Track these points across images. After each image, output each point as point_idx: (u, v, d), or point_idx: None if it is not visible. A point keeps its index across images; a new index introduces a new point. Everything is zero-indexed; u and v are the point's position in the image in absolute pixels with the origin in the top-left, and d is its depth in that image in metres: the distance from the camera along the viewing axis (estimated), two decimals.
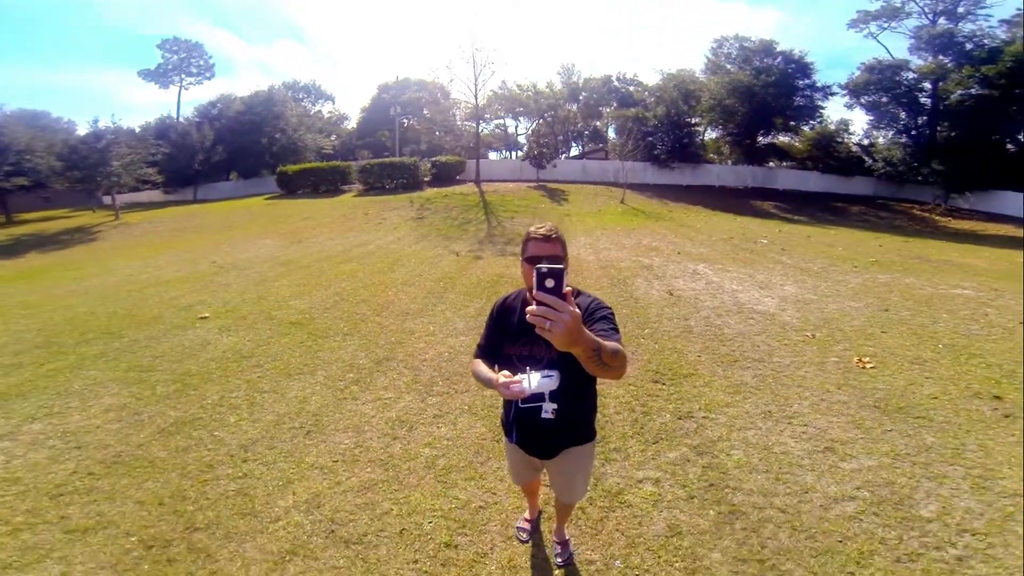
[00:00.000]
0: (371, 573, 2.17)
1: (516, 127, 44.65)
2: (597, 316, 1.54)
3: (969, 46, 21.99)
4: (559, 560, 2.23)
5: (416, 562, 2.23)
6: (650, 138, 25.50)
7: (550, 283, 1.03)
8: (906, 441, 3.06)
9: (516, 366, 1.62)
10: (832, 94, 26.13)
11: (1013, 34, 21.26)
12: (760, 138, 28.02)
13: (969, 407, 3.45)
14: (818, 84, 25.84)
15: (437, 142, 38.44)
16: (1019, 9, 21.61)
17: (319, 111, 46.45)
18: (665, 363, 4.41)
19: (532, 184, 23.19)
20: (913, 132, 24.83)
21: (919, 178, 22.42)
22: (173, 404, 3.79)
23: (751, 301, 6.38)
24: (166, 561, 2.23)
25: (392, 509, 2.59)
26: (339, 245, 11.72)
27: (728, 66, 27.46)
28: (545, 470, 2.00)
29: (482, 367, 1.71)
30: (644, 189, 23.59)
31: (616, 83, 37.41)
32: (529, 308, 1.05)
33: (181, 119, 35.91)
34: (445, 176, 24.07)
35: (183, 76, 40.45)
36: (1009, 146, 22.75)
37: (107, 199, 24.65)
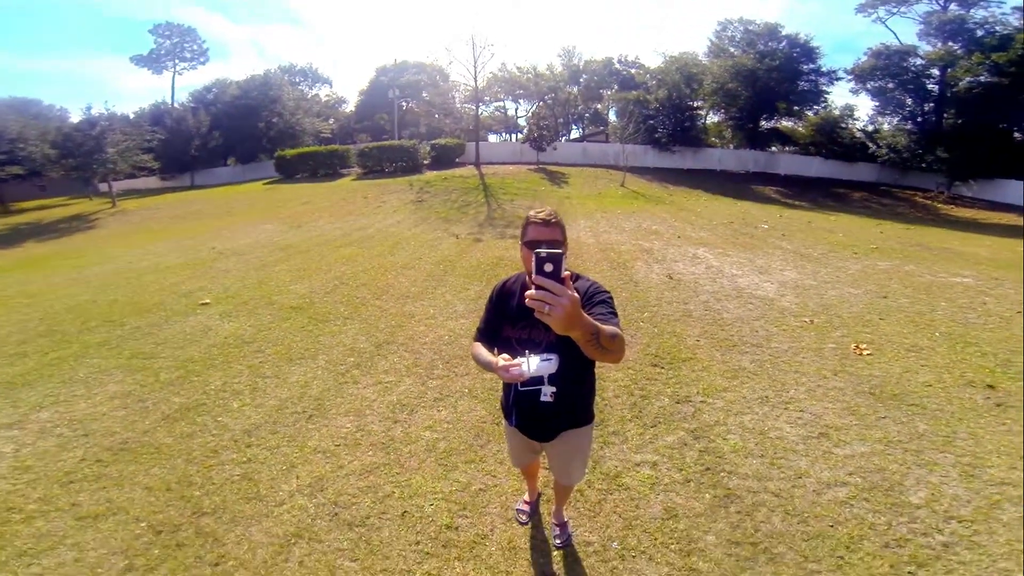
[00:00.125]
0: (374, 555, 2.23)
1: (516, 109, 44.16)
2: (596, 300, 1.54)
3: (980, 33, 21.58)
4: (558, 541, 2.28)
5: (418, 544, 2.28)
6: (651, 121, 25.22)
7: (549, 267, 1.04)
8: (899, 428, 3.10)
9: (515, 349, 1.63)
10: (837, 79, 25.78)
11: None
12: (763, 122, 27.71)
13: (962, 395, 3.48)
14: (823, 69, 25.50)
15: (436, 125, 38.01)
16: None
17: (316, 95, 45.84)
18: (664, 347, 4.44)
19: (532, 167, 23.00)
20: (919, 119, 24.53)
21: (923, 165, 22.21)
22: (176, 391, 3.83)
23: (750, 286, 6.40)
24: (175, 545, 2.29)
25: (394, 492, 2.64)
26: (338, 229, 11.69)
27: (732, 49, 27.01)
28: (544, 453, 2.03)
29: (482, 350, 1.72)
30: (645, 172, 23.41)
31: (617, 66, 36.83)
32: (528, 292, 1.06)
33: (176, 105, 35.45)
34: (444, 159, 23.87)
35: (177, 61, 39.76)
36: (1016, 134, 22.48)
37: (103, 186, 24.51)
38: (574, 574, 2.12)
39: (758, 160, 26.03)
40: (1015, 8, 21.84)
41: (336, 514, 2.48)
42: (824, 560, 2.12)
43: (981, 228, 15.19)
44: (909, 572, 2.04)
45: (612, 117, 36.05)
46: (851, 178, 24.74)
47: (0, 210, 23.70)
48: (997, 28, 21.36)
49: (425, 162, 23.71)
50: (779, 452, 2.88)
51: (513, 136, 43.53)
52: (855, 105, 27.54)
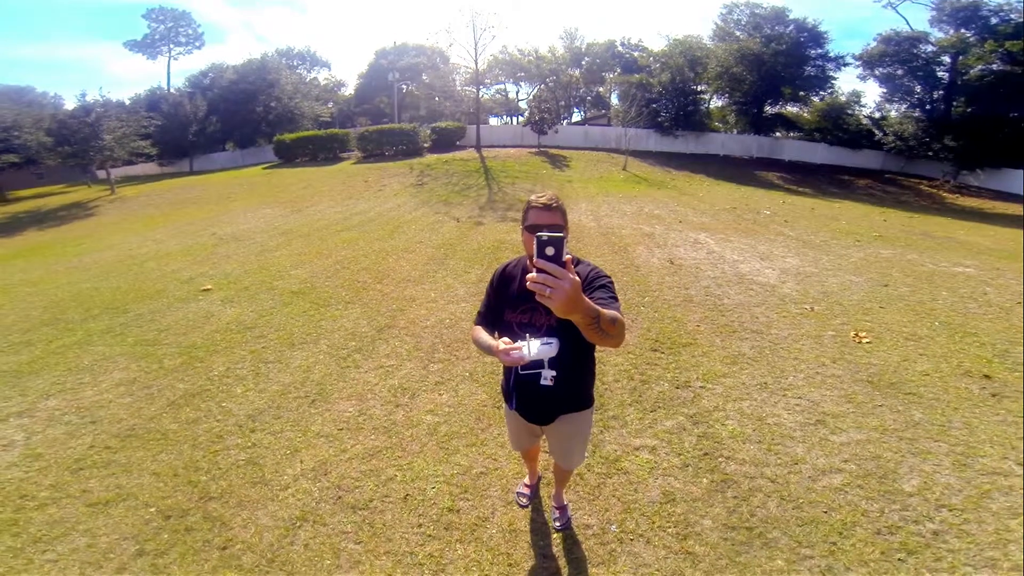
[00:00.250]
0: (377, 537, 2.27)
1: (517, 92, 43.59)
2: (596, 285, 1.55)
3: (994, 20, 21.03)
4: (557, 524, 2.32)
5: (420, 526, 2.33)
6: (654, 105, 24.87)
7: (550, 251, 1.04)
8: (895, 416, 3.12)
9: (516, 333, 1.64)
10: (845, 65, 25.31)
11: None
12: (767, 108, 27.33)
13: (959, 385, 3.50)
14: (831, 54, 25.02)
15: (437, 108, 37.54)
16: None
17: (315, 78, 45.18)
18: (664, 332, 4.46)
19: (533, 150, 22.79)
20: (927, 106, 24.11)
21: (930, 153, 21.93)
22: (181, 377, 3.86)
23: (752, 272, 6.39)
24: (184, 530, 2.34)
25: (396, 475, 2.68)
26: (339, 213, 11.64)
27: (737, 33, 26.45)
28: (544, 436, 2.05)
29: (482, 334, 1.73)
30: (647, 156, 23.20)
31: (620, 48, 36.23)
32: (529, 275, 1.06)
33: (172, 90, 34.96)
34: (445, 142, 23.65)
35: (171, 46, 39.03)
36: None
37: (101, 173, 24.35)
38: (573, 556, 2.17)
39: (762, 145, 25.74)
40: None
41: (340, 497, 2.52)
42: (817, 546, 2.16)
43: (986, 218, 15.07)
44: (899, 559, 2.08)
45: (614, 100, 35.57)
46: (856, 165, 24.48)
47: None
48: (1012, 16, 20.85)
49: (425, 145, 23.50)
50: (776, 438, 2.91)
51: (514, 119, 43.08)
52: (862, 91, 27.15)
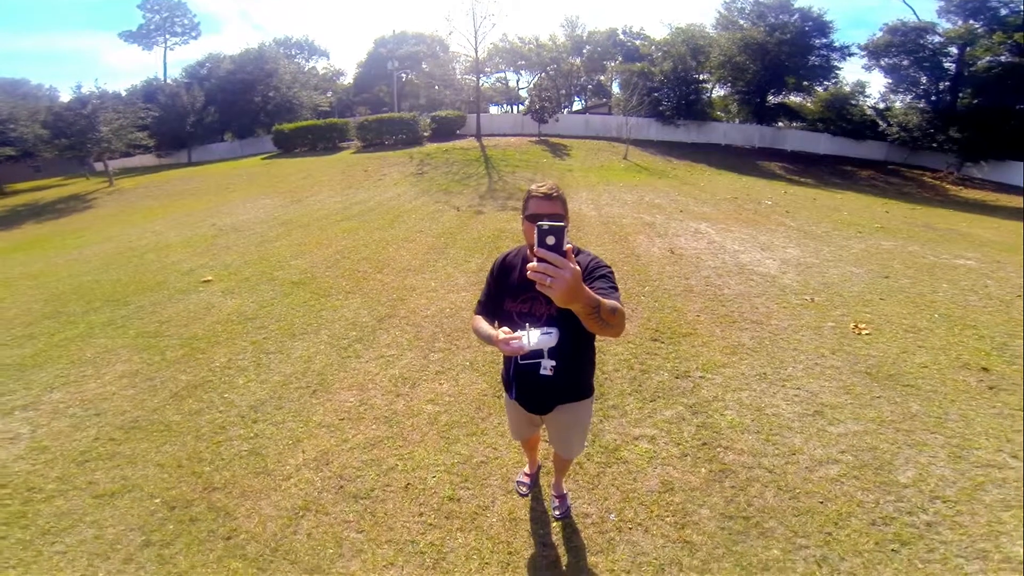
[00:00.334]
0: (379, 526, 2.30)
1: (517, 81, 43.13)
2: (596, 275, 1.55)
3: (1004, 12, 20.66)
4: (557, 513, 2.34)
5: (421, 515, 2.36)
6: (655, 94, 24.61)
7: (551, 240, 1.04)
8: (892, 408, 3.14)
9: (516, 323, 1.64)
10: (850, 55, 24.90)
11: None
12: (770, 97, 26.99)
13: (956, 377, 3.50)
14: (836, 44, 24.60)
15: (436, 96, 37.21)
16: None
17: (313, 67, 44.76)
18: (665, 322, 4.47)
19: (534, 138, 22.63)
20: (933, 97, 23.79)
21: (934, 145, 21.72)
22: (183, 368, 3.88)
23: (752, 262, 6.39)
24: (189, 520, 2.37)
25: (397, 465, 2.71)
26: (339, 203, 11.59)
27: (741, 21, 26.04)
28: (544, 426, 2.06)
29: (482, 324, 1.73)
30: (648, 145, 23.01)
31: (622, 37, 35.79)
32: (530, 264, 1.06)
33: (169, 81, 34.59)
34: (445, 131, 23.49)
35: (167, 36, 38.55)
36: None
37: (99, 165, 24.18)
38: (572, 545, 2.20)
39: (764, 135, 25.52)
40: None
41: (342, 487, 2.55)
42: (813, 536, 2.19)
43: (989, 210, 14.96)
44: (893, 550, 2.11)
45: (615, 89, 35.24)
46: (859, 156, 24.26)
47: None
48: (1022, 7, 20.51)
49: (425, 134, 23.35)
50: (774, 429, 2.93)
51: (514, 108, 42.69)
52: (867, 82, 26.82)
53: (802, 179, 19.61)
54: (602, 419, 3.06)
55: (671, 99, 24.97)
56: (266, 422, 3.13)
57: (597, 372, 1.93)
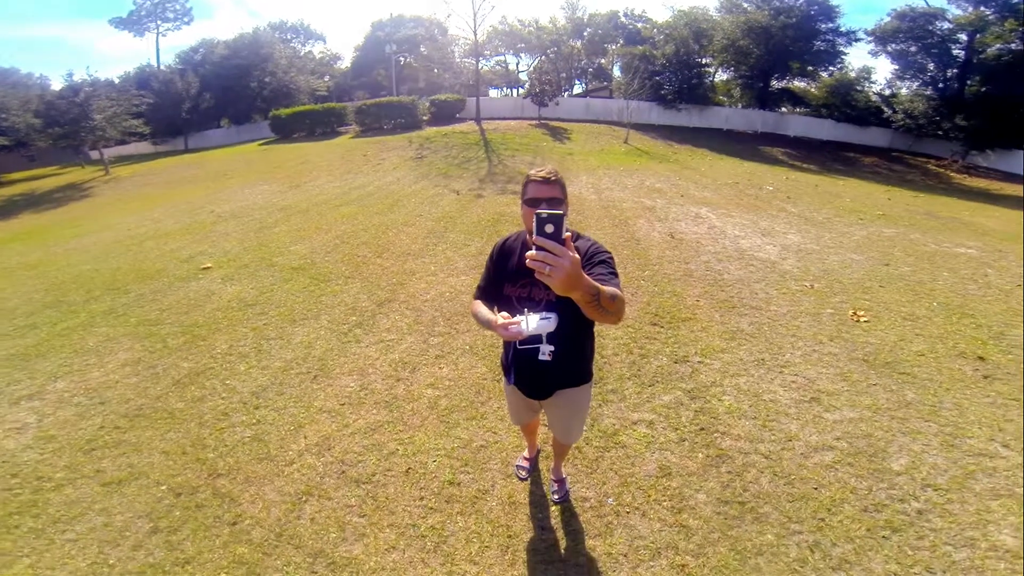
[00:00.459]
0: (381, 510, 2.34)
1: (517, 64, 42.59)
2: (596, 260, 1.54)
3: None
4: (556, 497, 2.38)
5: (422, 499, 2.40)
6: (657, 77, 24.31)
7: (550, 228, 1.04)
8: (888, 396, 3.16)
9: (515, 307, 1.64)
10: (856, 40, 24.46)
11: None
12: (774, 82, 26.61)
13: (952, 366, 3.51)
14: (842, 29, 24.16)
15: (435, 80, 36.78)
16: None
17: (310, 52, 44.04)
18: (664, 306, 4.48)
19: (534, 122, 22.38)
20: (940, 84, 23.42)
21: (939, 132, 21.47)
22: (184, 356, 3.90)
23: (752, 248, 6.38)
24: (195, 507, 2.40)
25: (398, 449, 2.74)
26: (337, 188, 11.52)
27: (745, 5, 25.51)
28: (543, 411, 2.07)
29: (481, 308, 1.74)
30: (649, 129, 22.78)
31: (623, 19, 35.20)
32: (528, 253, 1.06)
33: (162, 67, 34.04)
34: (444, 115, 23.21)
35: (159, 22, 37.73)
36: None
37: (94, 154, 23.85)
38: (571, 528, 2.24)
39: (767, 120, 25.23)
40: None
41: (343, 472, 2.59)
42: (806, 521, 2.22)
43: (993, 199, 14.83)
44: (884, 536, 2.14)
45: (616, 72, 34.79)
46: (863, 142, 24.01)
47: None
48: None
49: (424, 118, 23.09)
50: (771, 415, 2.96)
51: (514, 91, 42.18)
52: (873, 68, 26.36)
53: (804, 165, 19.45)
54: (601, 403, 3.09)
55: (673, 83, 24.65)
56: (268, 408, 3.16)
57: (596, 356, 1.93)
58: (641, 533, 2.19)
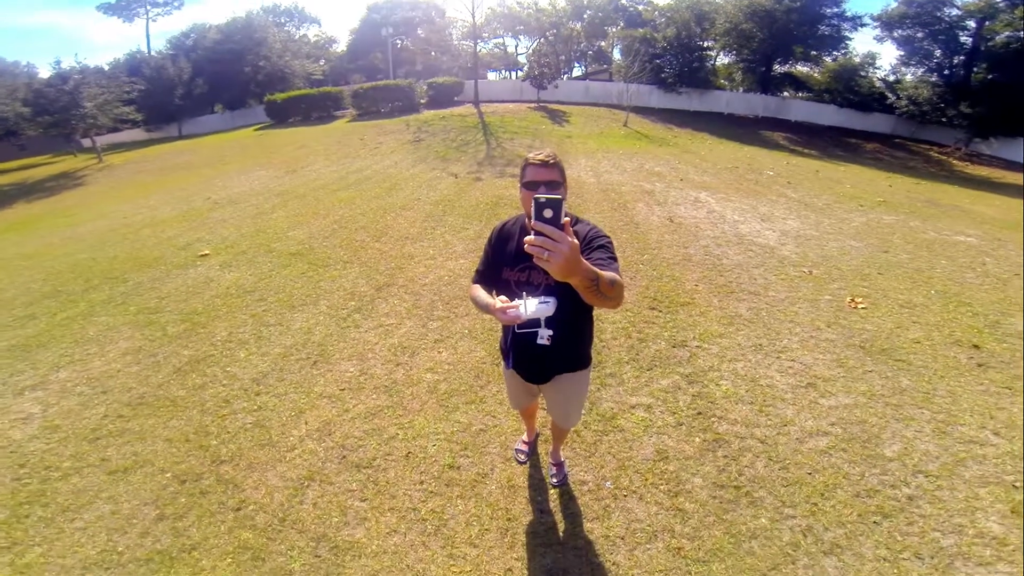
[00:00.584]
0: (382, 495, 2.38)
1: (516, 46, 41.83)
2: (595, 245, 1.54)
3: None
4: (554, 480, 2.41)
5: (422, 483, 2.43)
6: (658, 60, 23.96)
7: (548, 213, 1.03)
8: (883, 382, 3.18)
9: (514, 291, 1.64)
10: (862, 25, 24.09)
11: None
12: (776, 66, 26.24)
13: (947, 353, 3.53)
14: (847, 13, 23.77)
15: (433, 63, 36.22)
16: None
17: (304, 35, 43.21)
18: (663, 290, 4.50)
19: (532, 105, 22.14)
20: (946, 71, 23.10)
21: (943, 120, 21.24)
22: (184, 343, 3.91)
23: (752, 233, 6.37)
24: (199, 493, 2.43)
25: (398, 434, 2.77)
26: (335, 172, 11.41)
27: None
28: (542, 395, 2.09)
29: (480, 292, 1.74)
30: (649, 113, 22.54)
31: (624, 1, 34.49)
32: (527, 239, 1.05)
33: (153, 53, 33.31)
34: (442, 98, 22.95)
35: (148, 7, 36.81)
36: None
37: (86, 142, 23.50)
38: (569, 512, 2.27)
39: (768, 105, 24.95)
40: None
41: (344, 457, 2.62)
42: (800, 506, 2.26)
43: (994, 187, 14.73)
44: (874, 522, 2.18)
45: (616, 55, 34.33)
46: (865, 128, 23.79)
47: None
48: None
49: (422, 101, 22.82)
50: (768, 400, 2.99)
51: (513, 74, 41.58)
52: (878, 53, 25.94)
53: (805, 150, 19.30)
54: (599, 387, 3.11)
55: (674, 66, 24.31)
56: (269, 394, 3.18)
57: (595, 340, 1.94)
58: (638, 516, 2.22)
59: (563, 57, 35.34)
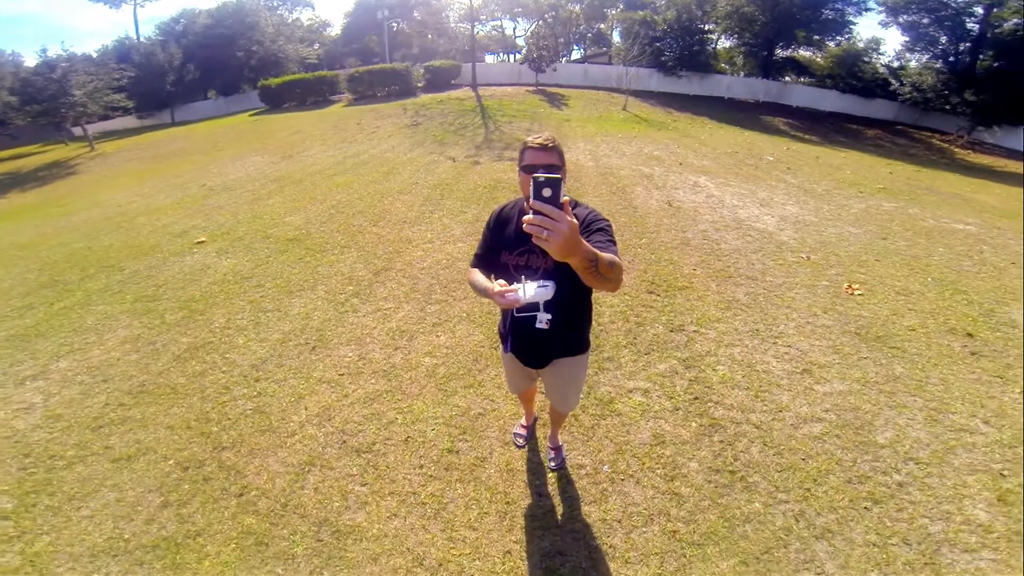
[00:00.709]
0: (382, 479, 2.40)
1: (514, 29, 41.16)
2: (594, 228, 1.53)
3: None
4: (552, 464, 2.44)
5: (422, 467, 2.46)
6: (658, 44, 23.56)
7: (547, 192, 1.02)
8: (878, 369, 3.20)
9: (512, 275, 1.63)
10: (867, 10, 23.63)
11: None
12: (778, 51, 25.84)
13: (941, 341, 3.55)
14: None
15: (430, 46, 35.58)
16: None
17: (298, 19, 42.32)
18: (661, 274, 4.50)
19: (531, 88, 21.84)
20: (951, 58, 22.76)
21: (947, 107, 21.01)
22: (183, 331, 3.91)
23: (750, 218, 6.36)
24: (202, 480, 2.46)
25: (397, 418, 2.79)
26: (331, 157, 11.30)
27: None
28: (540, 379, 2.10)
29: (479, 276, 1.72)
30: (648, 96, 22.25)
31: None
32: (526, 217, 1.04)
33: (142, 39, 32.56)
34: (439, 81, 22.61)
35: None
36: None
37: (77, 130, 23.14)
38: (567, 495, 2.30)
39: (769, 90, 24.64)
40: None
41: (344, 442, 2.64)
42: (792, 491, 2.29)
43: (996, 176, 14.61)
44: (865, 507, 2.21)
45: (616, 38, 33.73)
46: (867, 115, 23.54)
47: None
48: None
49: (419, 85, 22.49)
50: (764, 385, 3.02)
51: (511, 57, 41.00)
52: (882, 39, 25.56)
53: (806, 136, 19.14)
54: (597, 371, 3.13)
55: (674, 50, 23.91)
56: (268, 380, 3.19)
57: (593, 324, 1.94)
58: (635, 500, 2.26)
59: (562, 40, 34.80)
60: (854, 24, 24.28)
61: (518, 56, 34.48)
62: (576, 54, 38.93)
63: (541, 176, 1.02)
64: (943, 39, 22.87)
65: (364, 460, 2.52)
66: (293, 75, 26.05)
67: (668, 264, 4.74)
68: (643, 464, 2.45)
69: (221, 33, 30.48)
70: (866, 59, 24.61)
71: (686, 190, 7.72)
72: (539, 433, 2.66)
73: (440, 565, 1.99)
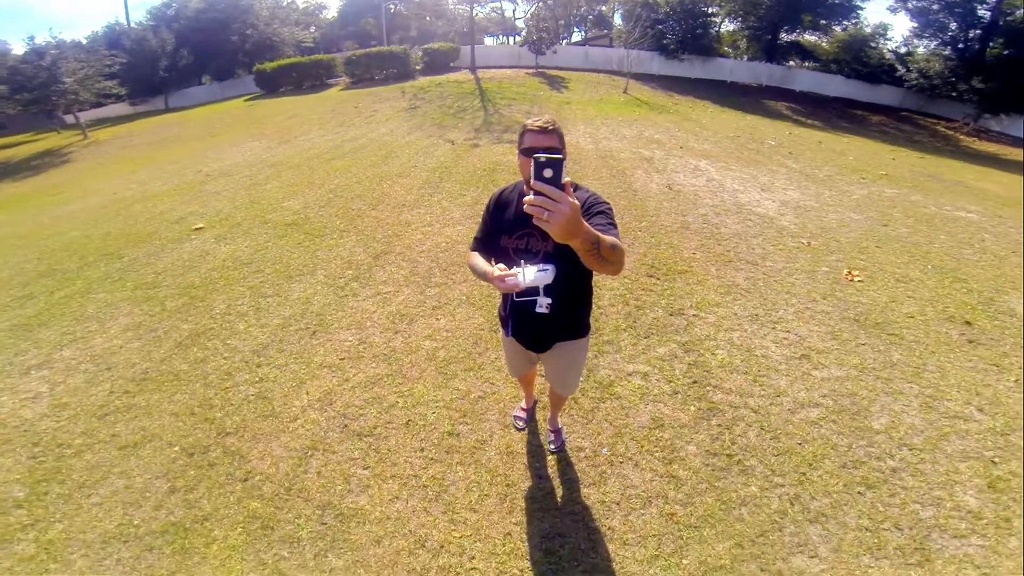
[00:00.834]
0: (383, 462, 2.43)
1: (514, 10, 40.51)
2: (595, 211, 1.52)
3: None
4: (552, 447, 2.47)
5: (423, 450, 2.49)
6: (660, 26, 23.13)
7: (548, 173, 1.00)
8: (875, 356, 3.21)
9: (512, 259, 1.63)
10: None
11: None
12: (783, 35, 25.39)
13: (939, 329, 3.55)
14: None
15: (428, 28, 35.06)
16: None
17: (293, 2, 41.52)
18: (660, 258, 4.50)
19: (531, 71, 21.54)
20: (960, 45, 22.34)
21: (953, 94, 20.69)
22: (184, 317, 3.91)
23: (751, 202, 6.33)
24: (207, 465, 2.48)
25: (398, 402, 2.81)
26: (329, 141, 11.21)
27: None
28: (540, 363, 2.10)
29: (478, 260, 1.72)
30: (649, 80, 21.96)
31: None
32: (526, 198, 1.03)
33: (133, 25, 31.98)
34: (438, 64, 22.30)
35: None
36: None
37: (69, 118, 22.83)
38: (567, 477, 2.34)
39: (773, 74, 24.28)
40: None
41: (346, 426, 2.66)
42: (788, 475, 2.32)
43: (1000, 164, 14.46)
44: (859, 492, 2.24)
45: (617, 20, 33.13)
46: (872, 100, 23.22)
47: None
48: None
49: (417, 68, 22.18)
50: (762, 370, 3.03)
51: (511, 39, 40.40)
52: (890, 24, 25.10)
53: (809, 121, 18.94)
54: (597, 354, 3.15)
55: (676, 32, 23.51)
56: (270, 366, 3.21)
57: (593, 307, 1.95)
58: (633, 482, 2.29)
59: (562, 22, 34.20)
60: (861, 9, 23.92)
61: (518, 38, 33.90)
62: (577, 36, 38.38)
63: (542, 156, 1.00)
64: (953, 25, 22.41)
65: (366, 444, 2.54)
66: (289, 59, 25.65)
67: (668, 248, 4.73)
68: (642, 447, 2.48)
69: (214, 17, 29.88)
70: (873, 45, 24.21)
71: (687, 174, 7.66)
72: (539, 416, 2.68)
73: (441, 547, 2.03)
